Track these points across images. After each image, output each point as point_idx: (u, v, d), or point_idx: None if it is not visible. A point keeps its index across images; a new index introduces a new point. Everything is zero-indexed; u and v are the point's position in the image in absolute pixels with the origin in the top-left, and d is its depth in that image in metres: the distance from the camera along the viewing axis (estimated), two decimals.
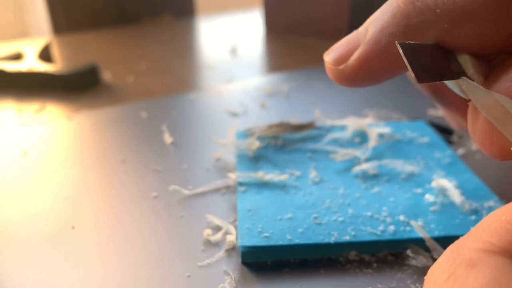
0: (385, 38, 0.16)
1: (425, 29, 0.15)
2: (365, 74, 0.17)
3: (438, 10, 0.15)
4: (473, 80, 0.14)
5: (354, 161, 0.30)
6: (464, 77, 0.14)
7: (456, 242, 0.13)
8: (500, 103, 0.13)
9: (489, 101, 0.14)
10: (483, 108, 0.14)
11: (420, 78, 0.13)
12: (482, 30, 0.14)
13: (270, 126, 0.33)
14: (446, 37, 0.15)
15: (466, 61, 0.15)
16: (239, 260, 0.22)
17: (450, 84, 0.15)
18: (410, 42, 0.15)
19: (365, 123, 0.33)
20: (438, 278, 0.12)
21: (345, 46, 0.17)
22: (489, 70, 0.15)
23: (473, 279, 0.11)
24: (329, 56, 0.18)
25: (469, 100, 0.15)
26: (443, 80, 0.14)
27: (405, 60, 0.14)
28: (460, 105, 0.21)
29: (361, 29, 0.17)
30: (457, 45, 0.15)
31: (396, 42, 0.14)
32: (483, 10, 0.14)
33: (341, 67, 0.17)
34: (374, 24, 0.16)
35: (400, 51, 0.14)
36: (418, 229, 0.23)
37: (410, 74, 0.14)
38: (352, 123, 0.33)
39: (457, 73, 0.15)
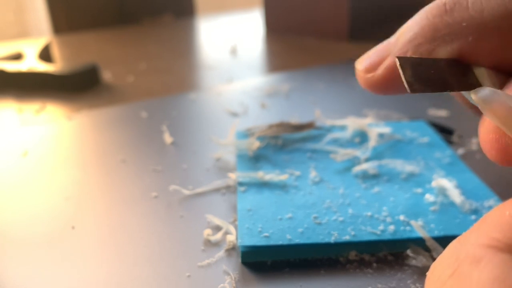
0: (412, 49, 0.16)
1: (450, 41, 0.16)
2: (392, 83, 0.17)
3: (464, 24, 0.15)
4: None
5: (354, 161, 0.30)
6: (478, 88, 0.15)
7: (459, 238, 0.13)
8: (507, 103, 0.13)
9: (496, 102, 0.14)
10: (485, 107, 0.14)
11: (412, 87, 0.14)
12: (504, 44, 0.15)
13: (270, 126, 0.33)
14: (468, 49, 0.16)
15: (483, 74, 0.16)
16: (239, 260, 0.22)
17: (466, 95, 0.16)
18: (413, 56, 0.15)
19: (365, 123, 0.33)
20: (441, 274, 0.12)
21: (376, 56, 0.18)
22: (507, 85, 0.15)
23: (478, 276, 0.11)
24: (361, 64, 0.18)
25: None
26: (440, 91, 0.15)
27: (400, 70, 0.14)
28: None
29: (392, 38, 0.18)
30: (479, 58, 0.16)
31: (395, 56, 0.15)
32: (507, 25, 0.15)
33: (370, 75, 0.18)
34: (404, 34, 0.17)
35: (397, 63, 0.15)
36: (418, 229, 0.23)
37: (405, 85, 0.14)
38: (352, 123, 0.33)
39: (472, 85, 0.15)
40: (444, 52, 0.16)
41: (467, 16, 0.15)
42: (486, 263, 0.11)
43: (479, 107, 0.14)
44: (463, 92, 0.15)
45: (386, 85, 0.18)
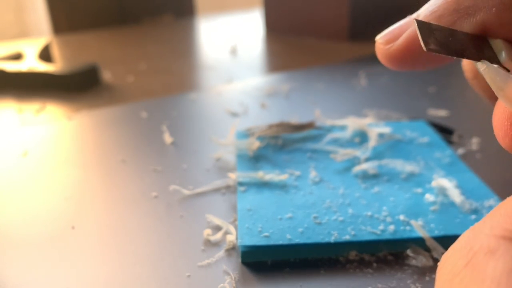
0: (434, 21, 0.16)
1: (473, 13, 0.16)
2: (410, 55, 0.17)
3: None
4: (505, 67, 0.15)
5: (354, 161, 0.30)
6: (484, 60, 0.15)
7: (472, 229, 0.13)
8: None
9: (508, 84, 0.13)
10: (500, 91, 0.14)
11: (427, 45, 0.14)
12: None
13: (270, 126, 0.33)
14: (491, 21, 0.15)
15: (499, 46, 0.15)
16: (239, 260, 0.22)
17: (480, 70, 0.15)
18: (432, 23, 0.15)
19: (365, 123, 0.33)
20: (454, 265, 0.12)
21: (397, 29, 0.18)
22: None
23: (493, 267, 0.11)
24: (381, 37, 0.18)
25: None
26: (456, 56, 0.15)
27: (417, 31, 0.14)
28: None
29: (415, 13, 0.18)
30: (501, 30, 0.16)
31: (414, 19, 0.15)
32: None
33: (388, 46, 0.18)
34: (426, 8, 0.17)
35: (415, 24, 0.15)
36: (418, 228, 0.23)
37: (421, 42, 0.14)
38: (352, 123, 0.33)
39: (489, 58, 0.15)
40: (467, 24, 0.16)
41: None
42: (501, 254, 0.11)
43: (494, 90, 0.14)
44: (478, 67, 0.15)
45: (402, 57, 0.17)
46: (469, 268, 0.11)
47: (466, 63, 0.23)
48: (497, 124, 0.14)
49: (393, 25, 0.18)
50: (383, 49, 0.18)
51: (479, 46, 0.15)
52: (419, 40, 0.17)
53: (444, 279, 0.12)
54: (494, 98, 0.17)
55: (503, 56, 0.15)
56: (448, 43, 0.15)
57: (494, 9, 0.15)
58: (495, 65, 0.14)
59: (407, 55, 0.17)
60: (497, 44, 0.15)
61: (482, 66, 0.15)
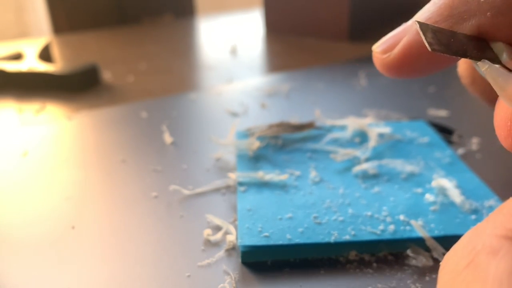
0: None
1: (468, 18, 0.16)
2: (407, 63, 0.17)
3: (481, 0, 0.15)
4: (507, 67, 0.15)
5: (354, 161, 0.30)
6: (486, 60, 0.15)
7: (475, 228, 0.13)
8: None
9: (510, 84, 0.13)
10: (501, 91, 0.14)
11: (432, 46, 0.14)
12: None
13: (270, 126, 0.33)
14: (486, 26, 0.15)
15: (500, 49, 0.15)
16: (239, 260, 0.22)
17: (482, 74, 0.15)
18: (434, 25, 0.15)
19: (365, 123, 0.33)
20: (457, 265, 0.12)
21: (393, 38, 0.18)
22: None
23: (495, 267, 0.11)
24: (378, 47, 0.19)
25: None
26: (459, 56, 0.15)
27: (420, 32, 0.14)
28: None
29: (409, 21, 0.18)
30: (497, 34, 0.16)
31: (415, 20, 0.15)
32: None
33: (385, 56, 0.18)
34: (420, 14, 0.17)
35: (417, 26, 0.15)
36: (418, 228, 0.23)
37: (424, 43, 0.14)
38: (352, 123, 0.33)
39: (490, 59, 0.15)
40: (462, 29, 0.16)
41: None
42: (503, 254, 0.11)
43: (496, 90, 0.14)
44: (479, 68, 0.15)
45: (400, 66, 0.18)
46: (471, 267, 0.11)
47: (462, 69, 0.23)
48: (499, 124, 0.14)
49: (389, 34, 0.19)
50: (380, 59, 0.18)
51: (479, 47, 0.15)
52: (415, 48, 0.17)
53: (446, 278, 0.12)
54: (494, 101, 0.17)
55: (504, 57, 0.15)
56: (449, 44, 0.15)
57: (488, 13, 0.15)
58: (497, 65, 0.14)
59: (405, 63, 0.17)
60: (498, 46, 0.15)
61: (484, 66, 0.15)
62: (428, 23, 0.16)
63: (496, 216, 0.12)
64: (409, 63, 0.17)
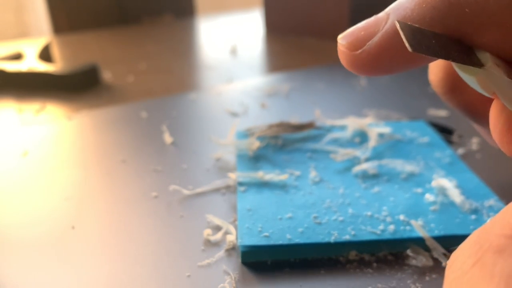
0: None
1: (449, 26, 0.14)
2: (383, 61, 0.16)
3: (467, 10, 0.14)
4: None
5: (354, 161, 0.30)
6: (485, 68, 0.14)
7: (482, 228, 0.13)
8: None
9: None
10: (506, 98, 0.14)
11: (412, 46, 0.13)
12: (508, 38, 0.14)
13: (270, 126, 0.33)
14: (469, 37, 0.15)
15: (486, 57, 0.14)
16: (239, 260, 0.22)
17: (468, 80, 0.15)
18: (415, 25, 0.14)
19: (365, 123, 0.33)
20: (463, 264, 0.12)
21: (362, 30, 0.16)
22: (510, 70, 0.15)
23: (501, 266, 0.11)
24: (344, 39, 0.16)
25: (493, 94, 0.14)
26: (442, 58, 0.14)
27: (400, 32, 0.13)
28: None
29: (381, 14, 0.16)
30: (479, 46, 0.15)
31: (396, 21, 0.14)
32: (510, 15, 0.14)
33: (358, 52, 0.16)
34: (397, 10, 0.15)
35: (397, 25, 0.13)
36: (418, 228, 0.23)
37: (405, 44, 0.13)
38: (352, 123, 0.33)
39: (475, 64, 0.14)
40: (440, 29, 0.15)
41: (473, 0, 0.14)
42: (510, 254, 0.11)
43: (498, 95, 0.14)
44: (463, 74, 0.14)
45: (375, 64, 0.16)
46: (478, 266, 0.11)
47: (438, 78, 0.21)
48: (501, 132, 0.14)
49: (356, 26, 0.16)
50: (350, 55, 0.16)
51: (462, 51, 0.14)
52: (393, 47, 0.15)
53: (452, 277, 0.12)
54: (478, 112, 0.16)
55: (489, 63, 0.14)
56: (432, 45, 0.14)
57: (470, 29, 0.14)
58: (497, 73, 0.14)
59: (379, 62, 0.16)
60: (484, 54, 0.15)
61: (484, 73, 0.14)
62: (409, 21, 0.15)
63: (503, 216, 0.12)
64: (386, 62, 0.16)
